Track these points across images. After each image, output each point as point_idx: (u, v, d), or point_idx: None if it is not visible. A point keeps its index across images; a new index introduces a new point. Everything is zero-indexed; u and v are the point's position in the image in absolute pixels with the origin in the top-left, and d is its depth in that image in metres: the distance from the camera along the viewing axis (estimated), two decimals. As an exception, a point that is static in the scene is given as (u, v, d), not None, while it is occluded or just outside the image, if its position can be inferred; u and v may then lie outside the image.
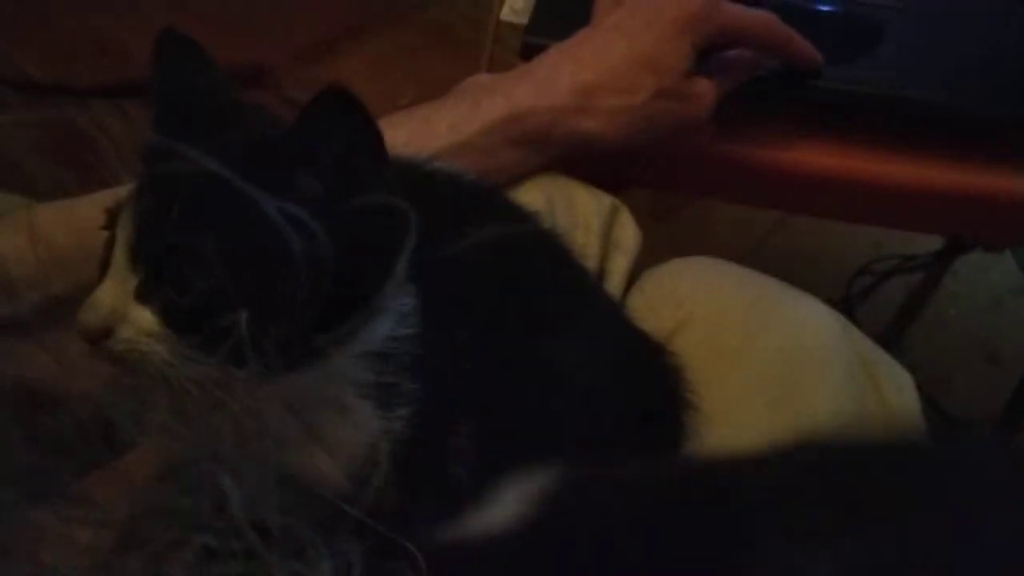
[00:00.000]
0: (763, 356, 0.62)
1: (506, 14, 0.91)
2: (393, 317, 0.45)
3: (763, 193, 0.89)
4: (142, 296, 0.42)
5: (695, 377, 0.61)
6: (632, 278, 0.71)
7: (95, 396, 0.44)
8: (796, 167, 0.80)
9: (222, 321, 0.39)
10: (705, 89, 0.71)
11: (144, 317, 0.41)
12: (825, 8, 0.86)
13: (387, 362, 0.46)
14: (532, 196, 0.67)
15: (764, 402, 0.61)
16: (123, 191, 0.44)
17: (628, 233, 0.71)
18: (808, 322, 0.64)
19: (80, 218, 0.47)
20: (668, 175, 0.85)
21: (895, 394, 0.66)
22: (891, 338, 1.34)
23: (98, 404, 0.43)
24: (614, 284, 0.69)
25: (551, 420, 0.52)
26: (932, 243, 1.36)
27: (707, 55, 0.72)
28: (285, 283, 0.40)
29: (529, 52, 0.77)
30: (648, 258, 0.73)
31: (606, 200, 0.71)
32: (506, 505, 0.32)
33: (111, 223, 0.43)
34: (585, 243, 0.68)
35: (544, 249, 0.59)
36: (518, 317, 0.53)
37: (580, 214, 0.69)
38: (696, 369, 0.61)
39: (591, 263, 0.67)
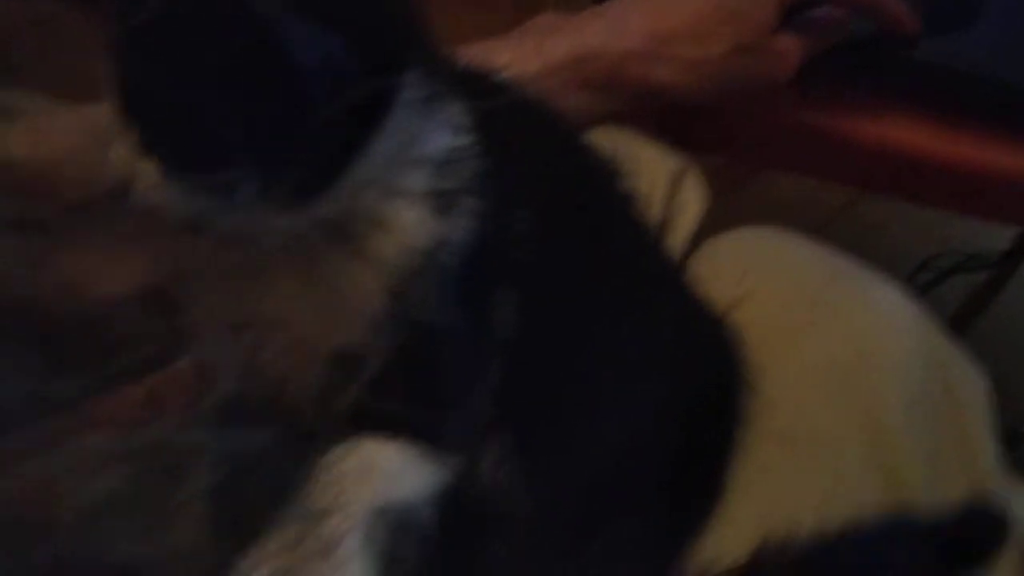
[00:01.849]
0: (830, 338, 0.58)
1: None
2: (445, 125, 0.42)
3: (837, 167, 0.84)
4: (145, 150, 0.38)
5: (755, 356, 0.57)
6: (695, 245, 0.66)
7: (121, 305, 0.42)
8: (877, 142, 0.75)
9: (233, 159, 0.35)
10: (788, 48, 0.66)
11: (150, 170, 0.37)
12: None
13: (446, 169, 0.42)
14: (594, 149, 0.63)
15: (827, 387, 0.56)
16: None
17: (695, 197, 0.67)
18: (882, 306, 0.59)
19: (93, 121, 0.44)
20: (735, 139, 0.81)
21: (966, 393, 0.61)
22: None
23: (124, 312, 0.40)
24: (675, 247, 0.64)
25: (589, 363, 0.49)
26: (999, 243, 1.30)
27: (794, 12, 0.67)
28: (295, 101, 0.36)
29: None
30: (707, 231, 0.69)
31: (674, 160, 0.67)
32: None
33: None
34: (648, 203, 0.63)
35: (610, 186, 0.55)
36: (577, 225, 0.50)
37: (645, 172, 0.65)
38: (757, 347, 0.57)
39: (653, 220, 0.63)
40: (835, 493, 0.54)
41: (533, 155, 0.49)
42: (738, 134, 0.80)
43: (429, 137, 0.41)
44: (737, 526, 0.53)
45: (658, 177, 0.65)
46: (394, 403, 0.39)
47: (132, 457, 0.35)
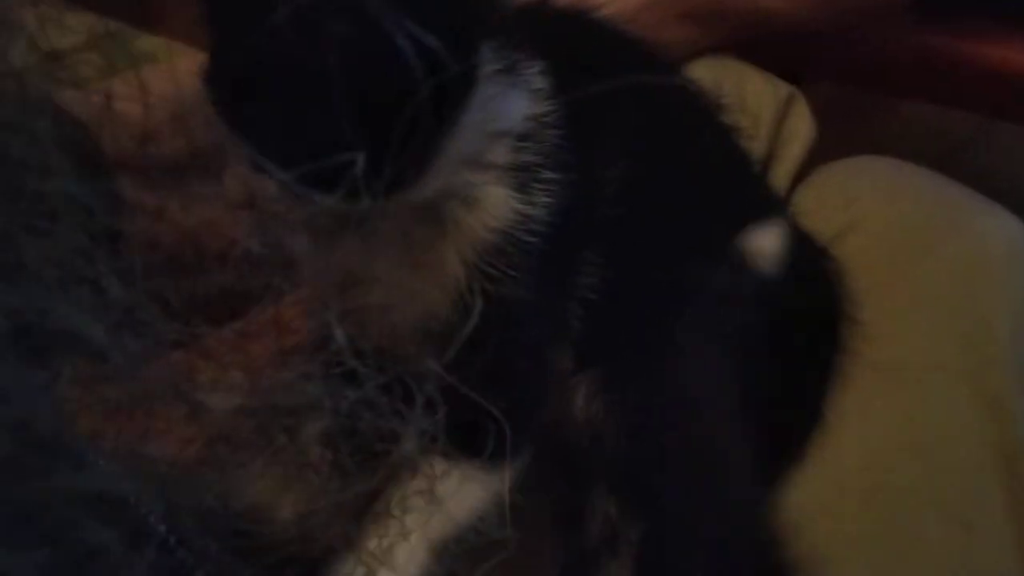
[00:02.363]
0: (939, 267, 0.56)
1: None
2: (524, 93, 0.42)
3: (961, 93, 0.80)
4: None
5: (859, 285, 0.56)
6: (802, 175, 0.65)
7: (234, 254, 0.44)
8: (1002, 65, 0.72)
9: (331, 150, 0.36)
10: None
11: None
12: None
13: (526, 143, 0.43)
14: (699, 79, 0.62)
15: (935, 317, 0.55)
16: None
17: (803, 126, 0.65)
18: (996, 235, 0.57)
19: None
20: (854, 66, 0.78)
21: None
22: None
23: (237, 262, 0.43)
24: (781, 176, 0.64)
25: (683, 296, 0.50)
26: None
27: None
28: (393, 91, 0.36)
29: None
30: (823, 162, 0.67)
31: (782, 88, 0.66)
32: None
33: None
34: (752, 133, 0.63)
35: (709, 121, 0.55)
36: (665, 169, 0.50)
37: (750, 101, 0.64)
38: (861, 277, 0.56)
39: (758, 152, 0.62)
40: (936, 425, 0.53)
41: (626, 101, 0.48)
42: (855, 60, 0.77)
43: (509, 109, 0.42)
44: (835, 458, 0.53)
45: (764, 107, 0.64)
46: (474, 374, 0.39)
47: (252, 399, 0.37)
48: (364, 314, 0.42)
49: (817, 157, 0.67)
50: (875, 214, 0.59)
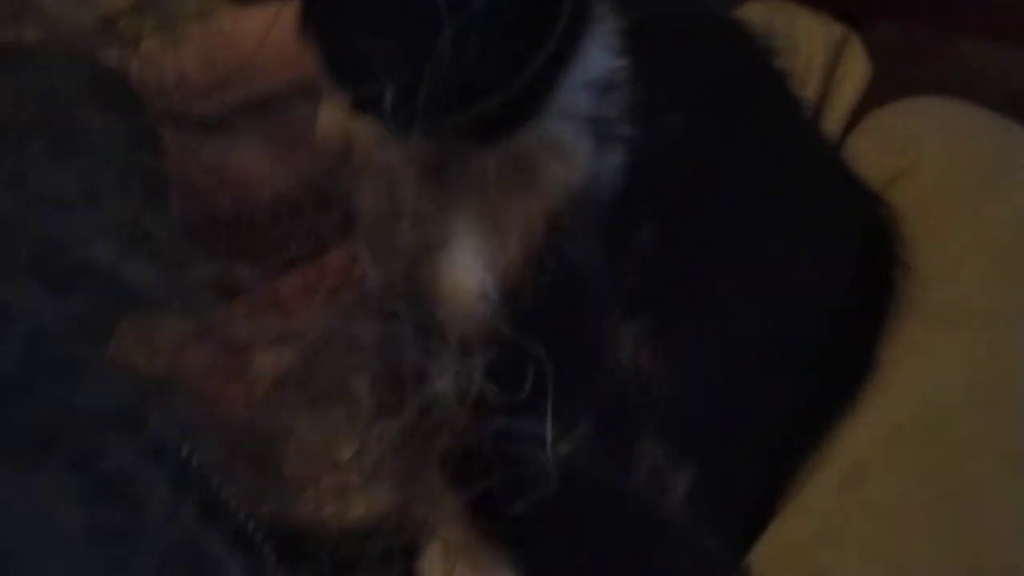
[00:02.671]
0: (1000, 212, 0.54)
1: None
2: (604, 48, 0.42)
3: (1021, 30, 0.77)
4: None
5: (914, 232, 0.54)
6: (856, 118, 0.63)
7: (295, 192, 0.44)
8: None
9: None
10: None
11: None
12: None
13: (606, 94, 0.43)
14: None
15: (994, 263, 0.53)
16: None
17: (858, 68, 0.63)
18: (1060, 180, 0.55)
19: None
20: (922, 5, 0.75)
21: None
22: None
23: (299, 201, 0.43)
24: (833, 120, 0.62)
25: (736, 249, 0.49)
26: None
27: None
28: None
29: None
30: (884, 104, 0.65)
31: (836, 30, 0.64)
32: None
33: None
34: (804, 76, 0.61)
35: (762, 67, 0.53)
36: (727, 119, 0.49)
37: (803, 42, 0.62)
38: (917, 222, 0.55)
39: (808, 97, 0.61)
40: (996, 370, 0.51)
41: (683, 53, 0.48)
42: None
43: (591, 60, 0.41)
44: (891, 403, 0.52)
45: (816, 49, 0.62)
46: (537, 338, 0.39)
47: (301, 341, 0.38)
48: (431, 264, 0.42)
49: (877, 101, 0.65)
50: (933, 157, 0.57)
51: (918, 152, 0.57)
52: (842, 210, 0.53)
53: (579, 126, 0.42)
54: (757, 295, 0.51)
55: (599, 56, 0.42)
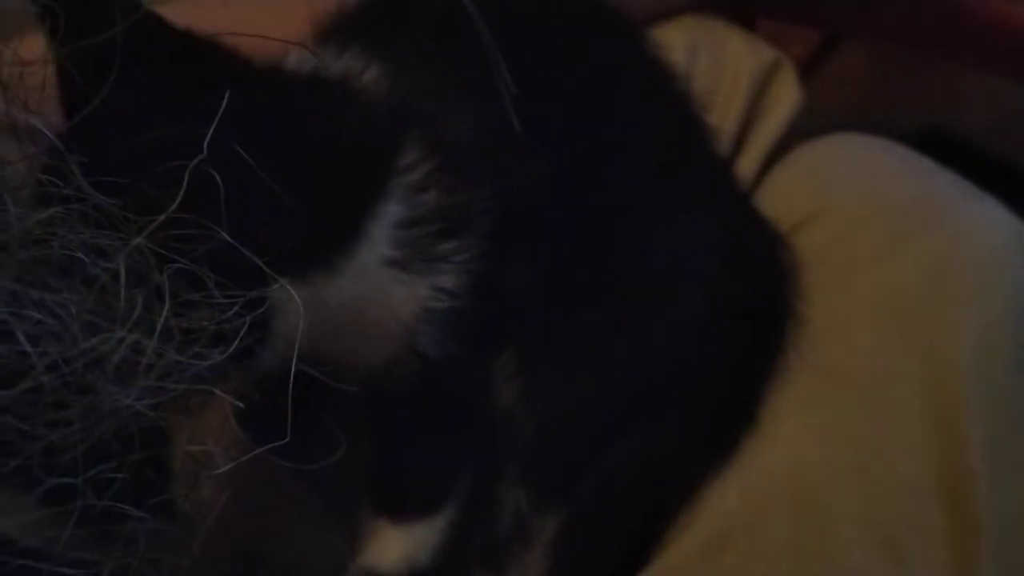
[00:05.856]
0: (906, 265, 0.51)
1: None
2: (405, 193, 0.42)
3: (1007, 58, 0.73)
4: None
5: (815, 280, 0.52)
6: (783, 150, 0.60)
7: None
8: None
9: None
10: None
11: None
12: None
13: (417, 227, 0.42)
14: (671, 39, 0.57)
15: (892, 321, 0.50)
16: None
17: (786, 95, 0.60)
18: (976, 233, 0.52)
19: None
20: (879, 21, 0.71)
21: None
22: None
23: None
24: (753, 153, 0.59)
25: (606, 283, 0.48)
26: None
27: None
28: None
29: None
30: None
31: (767, 54, 0.60)
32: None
33: None
34: (727, 102, 0.58)
35: (656, 91, 0.51)
36: (596, 163, 0.47)
37: (728, 66, 0.59)
38: (819, 270, 0.52)
39: (729, 125, 0.58)
40: (876, 439, 0.48)
41: (558, 77, 0.47)
42: (882, 14, 0.71)
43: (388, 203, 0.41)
44: (764, 464, 0.50)
45: (743, 72, 0.59)
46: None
47: None
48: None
49: (860, 124, 0.61)
50: (843, 204, 0.54)
51: (829, 196, 0.54)
52: (734, 248, 0.50)
53: (391, 271, 0.42)
54: (630, 331, 0.49)
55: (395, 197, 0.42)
